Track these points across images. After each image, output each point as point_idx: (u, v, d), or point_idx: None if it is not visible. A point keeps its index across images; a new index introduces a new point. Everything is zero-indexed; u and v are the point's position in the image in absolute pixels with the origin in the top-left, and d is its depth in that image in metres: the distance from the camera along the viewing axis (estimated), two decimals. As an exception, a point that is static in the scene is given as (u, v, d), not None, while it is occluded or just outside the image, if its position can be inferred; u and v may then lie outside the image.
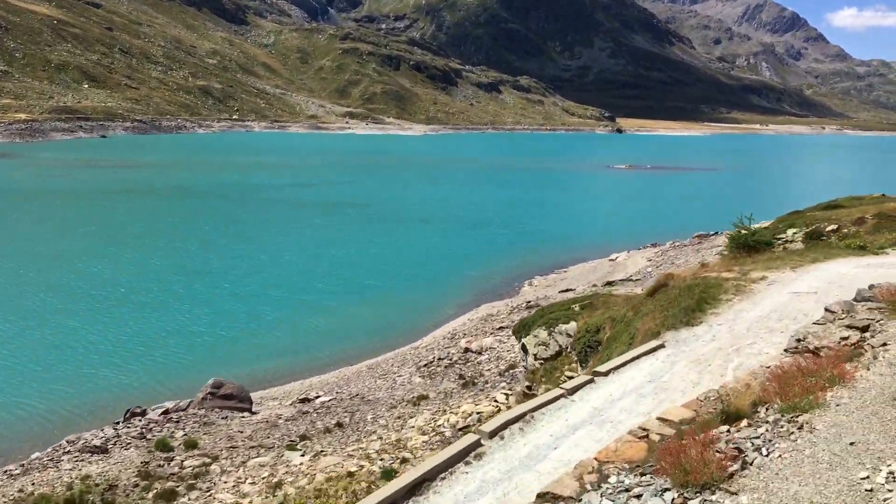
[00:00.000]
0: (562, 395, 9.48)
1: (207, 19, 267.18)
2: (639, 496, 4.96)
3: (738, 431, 5.52)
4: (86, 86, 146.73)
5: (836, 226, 20.58)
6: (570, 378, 12.78)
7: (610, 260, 34.97)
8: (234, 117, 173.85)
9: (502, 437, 8.57)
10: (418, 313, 28.72)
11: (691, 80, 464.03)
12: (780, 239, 21.26)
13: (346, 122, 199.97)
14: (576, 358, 15.94)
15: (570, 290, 29.42)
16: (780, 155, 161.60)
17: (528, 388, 16.14)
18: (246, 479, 14.18)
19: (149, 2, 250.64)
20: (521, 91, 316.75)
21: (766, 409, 5.75)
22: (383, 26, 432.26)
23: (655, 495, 4.86)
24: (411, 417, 17.16)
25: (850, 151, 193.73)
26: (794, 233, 21.20)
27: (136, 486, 14.61)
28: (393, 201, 57.50)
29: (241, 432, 17.75)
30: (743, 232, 18.35)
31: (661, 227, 47.08)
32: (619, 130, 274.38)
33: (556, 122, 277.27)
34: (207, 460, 15.67)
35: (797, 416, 5.35)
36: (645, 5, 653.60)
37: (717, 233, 38.95)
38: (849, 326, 7.45)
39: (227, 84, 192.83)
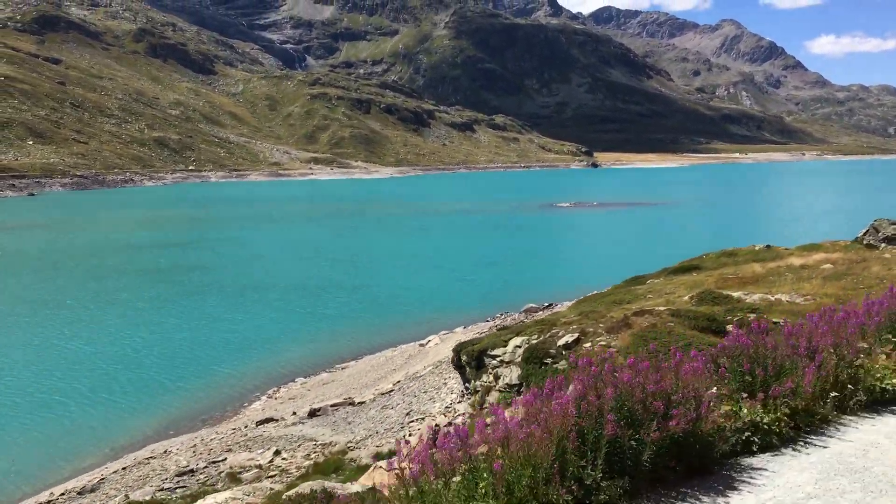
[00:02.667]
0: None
1: (174, 70, 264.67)
2: None
3: None
4: (30, 142, 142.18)
5: (581, 334, 14.37)
6: None
7: (420, 345, 28.48)
8: (191, 168, 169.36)
9: None
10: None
11: (670, 112, 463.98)
12: (492, 358, 15.79)
13: (310, 168, 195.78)
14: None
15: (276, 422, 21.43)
16: (747, 184, 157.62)
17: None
18: None
19: (112, 55, 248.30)
20: (497, 129, 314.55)
21: None
22: (361, 71, 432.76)
23: None
24: None
25: (822, 177, 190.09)
26: (516, 347, 15.44)
27: None
28: (247, 263, 50.09)
29: None
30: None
31: (547, 284, 40.86)
32: (595, 165, 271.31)
33: (531, 159, 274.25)
34: None
35: None
36: (623, 40, 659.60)
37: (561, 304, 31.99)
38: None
39: (185, 135, 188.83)
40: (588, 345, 13.09)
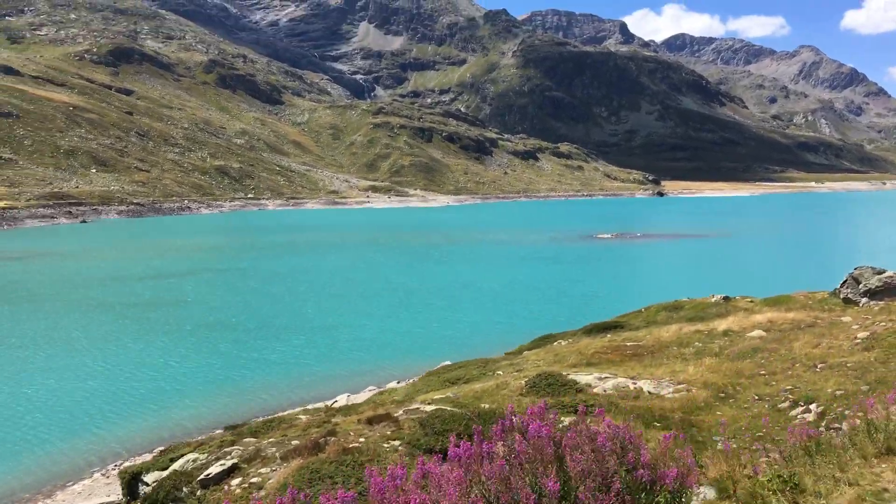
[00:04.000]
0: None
1: (242, 101, 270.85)
2: None
3: None
4: (93, 170, 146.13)
5: (242, 460, 10.86)
6: None
7: (326, 405, 25.32)
8: (249, 196, 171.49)
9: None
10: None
11: (743, 140, 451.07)
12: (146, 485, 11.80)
13: (367, 196, 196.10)
14: None
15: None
16: (813, 214, 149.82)
17: None
18: None
19: (183, 86, 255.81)
20: (561, 157, 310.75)
21: None
22: (429, 100, 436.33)
23: None
24: None
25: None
26: (158, 478, 11.64)
27: None
28: (230, 296, 47.67)
29: None
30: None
31: (510, 329, 36.93)
32: (661, 194, 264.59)
33: (594, 188, 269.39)
34: None
35: None
36: (696, 68, 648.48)
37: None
38: None
39: (246, 163, 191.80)
40: (238, 480, 10.08)
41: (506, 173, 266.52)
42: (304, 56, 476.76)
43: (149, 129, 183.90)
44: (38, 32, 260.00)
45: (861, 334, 14.47)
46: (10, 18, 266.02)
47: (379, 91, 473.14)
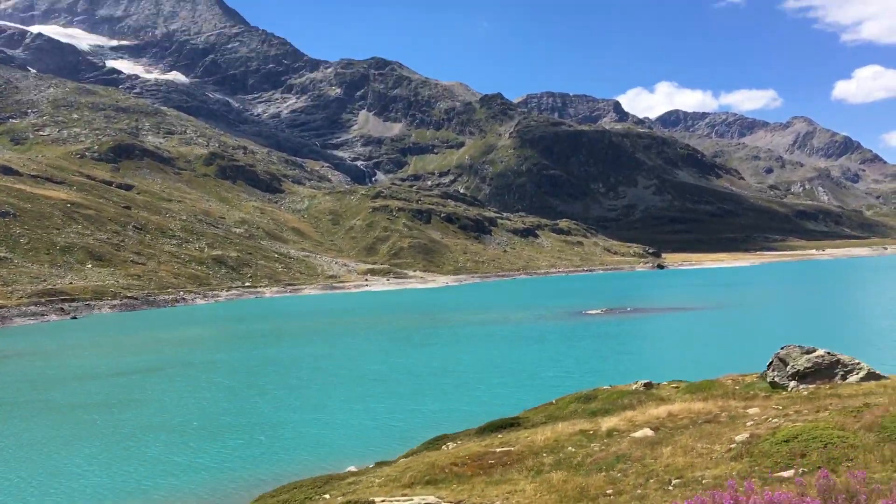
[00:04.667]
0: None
1: (242, 191, 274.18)
2: None
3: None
4: (89, 265, 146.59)
5: None
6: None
7: None
8: (247, 284, 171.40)
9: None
10: None
11: (741, 210, 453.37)
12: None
13: (365, 280, 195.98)
14: None
15: None
16: (812, 282, 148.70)
17: None
18: None
19: (183, 179, 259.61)
20: (561, 234, 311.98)
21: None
22: (429, 183, 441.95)
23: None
24: None
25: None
26: None
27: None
28: (183, 394, 45.97)
29: None
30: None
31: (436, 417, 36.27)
32: (661, 266, 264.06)
33: (594, 262, 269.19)
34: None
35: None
36: (691, 142, 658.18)
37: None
38: None
39: (244, 252, 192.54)
40: None
41: (505, 251, 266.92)
42: (305, 145, 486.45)
43: (146, 222, 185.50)
44: (40, 133, 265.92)
45: (740, 437, 13.03)
46: (14, 121, 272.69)
47: (380, 176, 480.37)
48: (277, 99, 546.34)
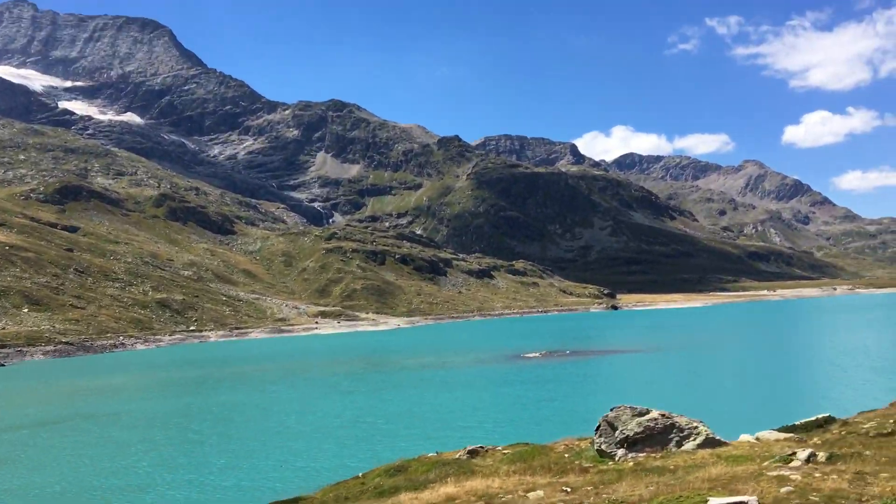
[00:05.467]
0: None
1: (192, 232, 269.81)
2: None
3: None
4: (25, 310, 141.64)
5: None
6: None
7: None
8: (192, 328, 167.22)
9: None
10: None
11: (696, 251, 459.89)
12: None
13: (315, 323, 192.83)
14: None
15: None
16: (755, 324, 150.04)
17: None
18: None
19: (132, 221, 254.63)
20: (517, 275, 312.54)
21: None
22: (387, 224, 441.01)
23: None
24: None
25: (845, 312, 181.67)
26: None
27: None
28: (64, 453, 43.26)
29: None
30: None
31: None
32: (615, 307, 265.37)
33: (549, 304, 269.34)
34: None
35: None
36: (646, 184, 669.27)
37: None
38: None
39: (191, 294, 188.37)
40: None
41: (460, 292, 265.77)
42: (262, 186, 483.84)
43: (89, 264, 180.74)
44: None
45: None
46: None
47: (337, 217, 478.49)
48: (234, 140, 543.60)
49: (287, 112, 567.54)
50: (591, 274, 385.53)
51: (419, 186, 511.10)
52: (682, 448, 16.55)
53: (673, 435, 16.93)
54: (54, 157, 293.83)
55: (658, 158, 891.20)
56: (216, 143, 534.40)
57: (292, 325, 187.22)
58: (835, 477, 12.07)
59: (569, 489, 13.97)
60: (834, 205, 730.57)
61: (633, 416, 16.95)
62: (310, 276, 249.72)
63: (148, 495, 34.03)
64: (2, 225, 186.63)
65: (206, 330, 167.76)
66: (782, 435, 20.12)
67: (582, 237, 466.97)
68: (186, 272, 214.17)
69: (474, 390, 62.24)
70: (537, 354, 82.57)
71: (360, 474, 21.82)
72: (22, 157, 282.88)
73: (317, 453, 40.65)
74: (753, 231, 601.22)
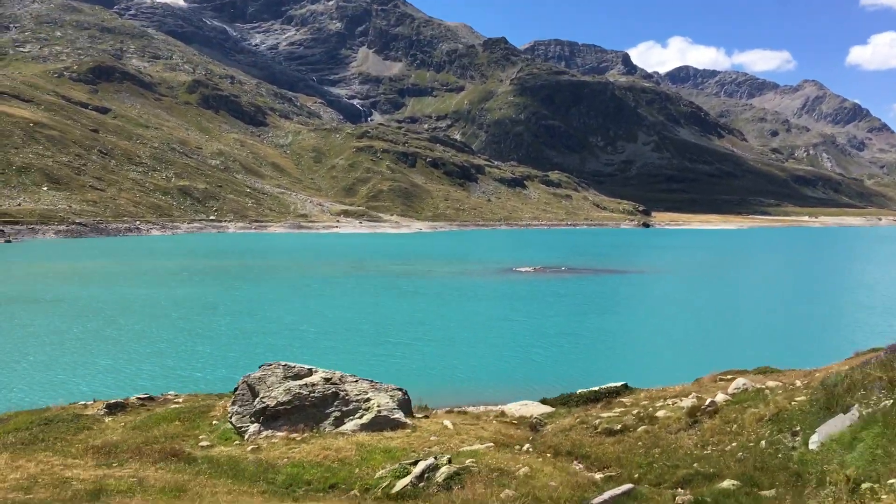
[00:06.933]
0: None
1: (224, 121, 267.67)
2: None
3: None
4: (44, 188, 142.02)
5: None
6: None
7: None
8: (211, 218, 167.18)
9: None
10: None
11: (741, 172, 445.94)
12: None
13: (337, 221, 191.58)
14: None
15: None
16: (775, 250, 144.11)
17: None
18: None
19: (164, 105, 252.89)
20: (550, 186, 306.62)
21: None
22: (426, 126, 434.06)
23: None
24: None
25: (882, 243, 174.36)
26: None
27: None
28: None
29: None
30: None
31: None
32: (647, 225, 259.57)
33: (579, 218, 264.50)
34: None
35: None
36: (699, 100, 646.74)
37: None
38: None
39: (214, 184, 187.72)
40: None
41: (489, 200, 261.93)
42: (301, 80, 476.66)
43: (113, 147, 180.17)
44: (21, 49, 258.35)
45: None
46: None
47: (376, 116, 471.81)
48: (276, 30, 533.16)
49: (331, 3, 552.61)
50: (630, 189, 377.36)
51: (461, 89, 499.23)
52: (341, 428, 12.76)
53: (333, 409, 13.06)
54: (90, 36, 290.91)
55: (713, 73, 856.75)
56: (258, 32, 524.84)
57: (313, 221, 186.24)
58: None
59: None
60: (892, 132, 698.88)
61: (285, 377, 12.84)
62: (338, 173, 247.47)
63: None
64: (29, 101, 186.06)
65: (225, 220, 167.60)
66: (539, 409, 16.95)
67: (624, 151, 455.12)
68: (214, 161, 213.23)
69: (431, 299, 59.53)
70: (530, 269, 79.29)
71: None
72: (58, 34, 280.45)
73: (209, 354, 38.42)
74: (805, 154, 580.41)
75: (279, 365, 11.41)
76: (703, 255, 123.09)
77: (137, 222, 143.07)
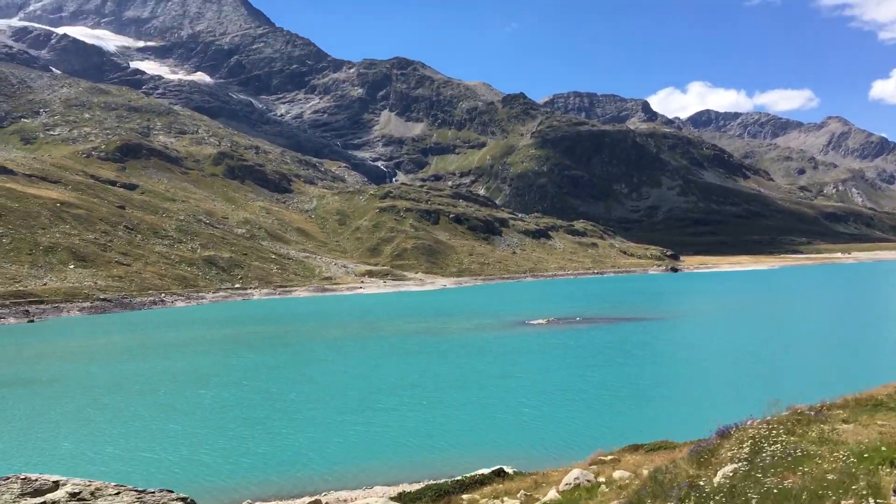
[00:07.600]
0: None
1: (250, 190, 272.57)
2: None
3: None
4: (71, 266, 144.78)
5: None
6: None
7: None
8: (236, 286, 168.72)
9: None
10: None
11: (768, 212, 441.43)
12: None
13: (361, 282, 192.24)
14: None
15: None
16: (808, 289, 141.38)
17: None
18: None
19: (190, 178, 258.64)
20: (576, 235, 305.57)
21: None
22: (449, 183, 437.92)
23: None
24: None
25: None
26: None
27: None
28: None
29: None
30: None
31: None
32: (675, 269, 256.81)
33: (605, 265, 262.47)
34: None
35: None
36: (722, 142, 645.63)
37: None
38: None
39: (239, 252, 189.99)
40: None
41: (514, 253, 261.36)
42: (326, 146, 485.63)
43: (139, 221, 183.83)
44: (50, 132, 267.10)
45: None
46: (26, 120, 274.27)
47: (400, 176, 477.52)
48: (300, 99, 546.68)
49: (352, 70, 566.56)
50: (657, 235, 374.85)
51: (483, 145, 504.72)
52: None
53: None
54: (118, 116, 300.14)
55: (735, 115, 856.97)
56: (283, 102, 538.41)
57: (337, 283, 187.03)
58: None
59: None
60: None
61: (22, 494, 8.01)
62: (362, 234, 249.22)
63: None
64: (57, 182, 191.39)
65: (250, 288, 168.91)
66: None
67: (649, 197, 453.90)
68: (240, 230, 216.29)
69: (436, 358, 58.89)
70: (542, 321, 78.47)
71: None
72: (87, 115, 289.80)
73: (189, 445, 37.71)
74: (834, 191, 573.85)
75: (17, 478, 7.57)
76: (731, 298, 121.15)
77: (162, 295, 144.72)
